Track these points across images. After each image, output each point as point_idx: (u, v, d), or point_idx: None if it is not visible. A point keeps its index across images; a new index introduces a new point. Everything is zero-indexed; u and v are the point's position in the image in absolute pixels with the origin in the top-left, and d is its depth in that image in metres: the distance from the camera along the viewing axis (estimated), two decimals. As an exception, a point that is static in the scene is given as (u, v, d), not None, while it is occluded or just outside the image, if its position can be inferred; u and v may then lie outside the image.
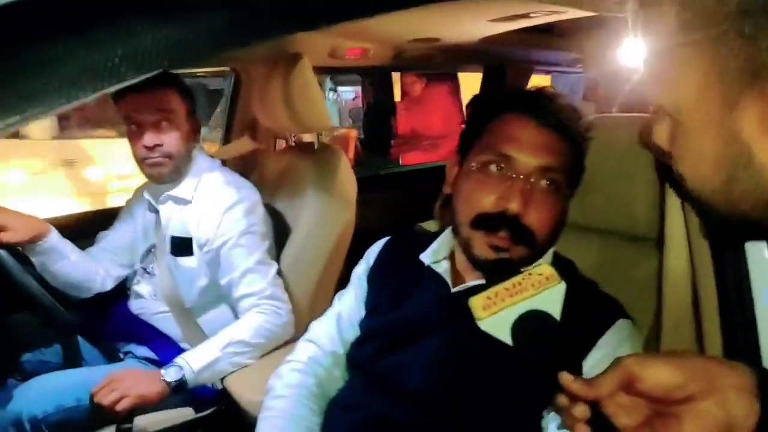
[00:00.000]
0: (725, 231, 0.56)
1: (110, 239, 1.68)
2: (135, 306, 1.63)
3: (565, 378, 0.57)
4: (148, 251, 1.64)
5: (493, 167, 0.92)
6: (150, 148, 1.48)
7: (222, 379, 1.45)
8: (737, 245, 0.74)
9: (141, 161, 1.52)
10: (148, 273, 1.63)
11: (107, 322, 1.65)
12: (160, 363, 1.51)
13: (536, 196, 0.90)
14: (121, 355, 1.59)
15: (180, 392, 1.39)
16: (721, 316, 0.74)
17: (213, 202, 1.54)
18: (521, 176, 0.89)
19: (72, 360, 1.53)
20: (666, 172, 0.58)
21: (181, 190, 1.56)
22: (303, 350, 1.12)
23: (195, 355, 1.41)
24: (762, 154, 0.47)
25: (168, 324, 1.59)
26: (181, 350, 1.56)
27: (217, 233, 1.51)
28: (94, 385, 1.32)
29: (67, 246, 1.54)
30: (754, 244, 0.71)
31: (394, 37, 2.01)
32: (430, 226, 1.56)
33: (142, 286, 1.63)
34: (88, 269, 1.59)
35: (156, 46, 0.44)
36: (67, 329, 1.53)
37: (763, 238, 0.66)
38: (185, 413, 1.47)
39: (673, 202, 0.85)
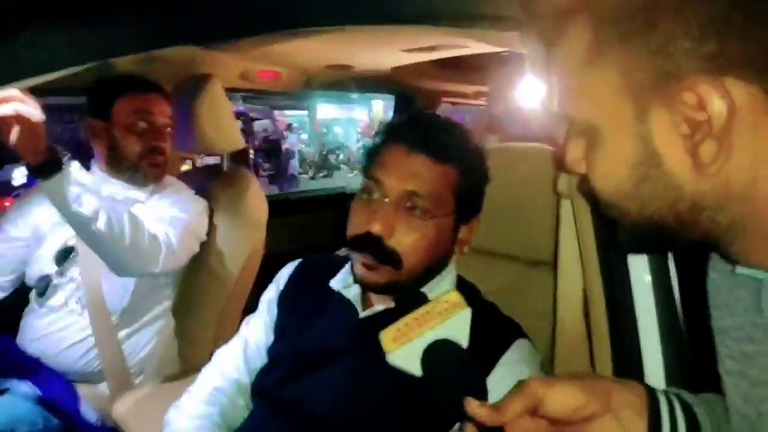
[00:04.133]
0: (634, 238, 0.59)
1: None
2: (39, 323, 1.47)
3: (472, 404, 0.56)
4: (66, 254, 1.48)
5: (366, 192, 0.96)
6: (157, 149, 1.52)
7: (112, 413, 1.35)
8: (643, 253, 0.79)
9: (140, 158, 1.51)
10: (64, 278, 1.47)
11: None
12: (46, 399, 1.38)
13: (403, 219, 0.92)
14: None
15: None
16: (612, 338, 0.79)
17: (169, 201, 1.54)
18: (388, 200, 0.93)
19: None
20: (583, 188, 0.61)
21: (139, 193, 1.55)
22: (205, 379, 1.08)
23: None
24: (669, 157, 0.50)
25: (72, 343, 1.45)
26: (69, 385, 1.44)
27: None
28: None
29: None
30: (638, 269, 0.77)
31: (307, 62, 2.02)
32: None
33: (52, 295, 1.47)
34: None
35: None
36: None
37: (665, 245, 0.72)
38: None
39: (567, 228, 0.90)
